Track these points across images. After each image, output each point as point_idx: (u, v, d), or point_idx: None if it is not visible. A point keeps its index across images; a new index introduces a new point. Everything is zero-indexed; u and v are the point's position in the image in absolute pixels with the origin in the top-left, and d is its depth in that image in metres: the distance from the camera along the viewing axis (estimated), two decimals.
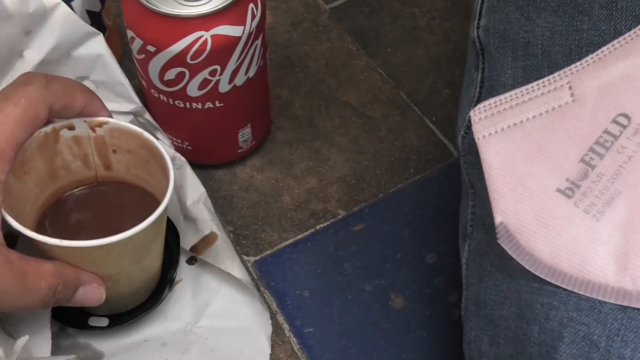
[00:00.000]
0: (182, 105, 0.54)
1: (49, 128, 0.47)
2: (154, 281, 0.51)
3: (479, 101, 0.44)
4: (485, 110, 0.41)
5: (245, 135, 0.58)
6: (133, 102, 0.55)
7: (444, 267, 0.57)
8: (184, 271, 0.54)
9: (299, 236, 0.58)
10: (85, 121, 0.47)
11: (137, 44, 0.51)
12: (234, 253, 0.53)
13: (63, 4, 0.52)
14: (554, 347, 0.36)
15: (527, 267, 0.37)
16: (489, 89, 0.43)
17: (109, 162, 0.50)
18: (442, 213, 0.60)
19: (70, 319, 0.50)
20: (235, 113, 0.56)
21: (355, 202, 0.60)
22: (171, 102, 0.54)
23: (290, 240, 0.58)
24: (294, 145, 0.63)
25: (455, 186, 0.62)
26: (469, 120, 0.42)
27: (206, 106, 0.54)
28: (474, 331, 0.41)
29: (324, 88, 0.68)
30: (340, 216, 0.59)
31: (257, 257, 0.57)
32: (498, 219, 0.38)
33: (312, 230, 0.58)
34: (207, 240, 0.52)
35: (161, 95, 0.54)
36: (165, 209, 0.45)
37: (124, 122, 0.48)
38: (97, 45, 0.54)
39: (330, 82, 0.68)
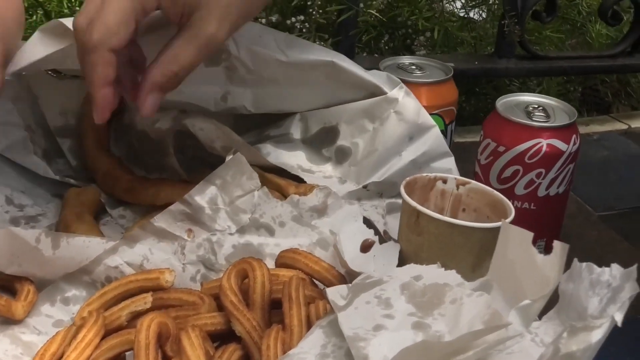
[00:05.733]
0: None
1: (432, 175, 0.65)
2: None
3: None
4: None
5: (538, 248, 0.77)
6: None
7: None
8: None
9: None
10: (455, 178, 0.65)
11: (489, 148, 0.73)
12: None
13: (437, 127, 0.74)
14: None
15: None
16: None
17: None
18: None
19: None
20: (540, 220, 0.74)
21: None
22: None
23: None
24: None
25: None
26: None
27: (523, 206, 0.74)
28: None
29: None
30: None
31: None
32: None
33: None
34: None
35: None
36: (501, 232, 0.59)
37: (480, 183, 0.65)
38: (449, 163, 0.75)
39: None
